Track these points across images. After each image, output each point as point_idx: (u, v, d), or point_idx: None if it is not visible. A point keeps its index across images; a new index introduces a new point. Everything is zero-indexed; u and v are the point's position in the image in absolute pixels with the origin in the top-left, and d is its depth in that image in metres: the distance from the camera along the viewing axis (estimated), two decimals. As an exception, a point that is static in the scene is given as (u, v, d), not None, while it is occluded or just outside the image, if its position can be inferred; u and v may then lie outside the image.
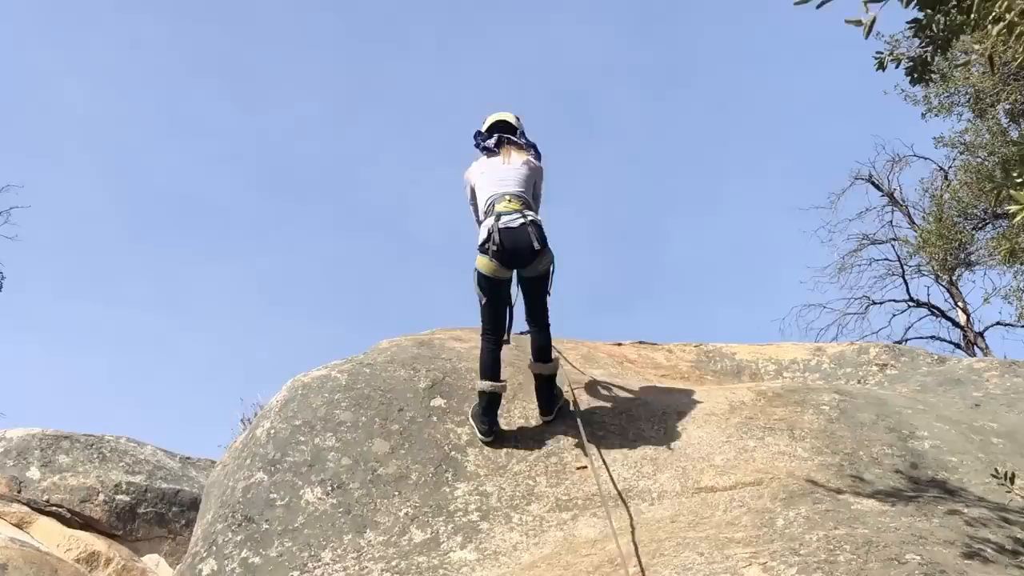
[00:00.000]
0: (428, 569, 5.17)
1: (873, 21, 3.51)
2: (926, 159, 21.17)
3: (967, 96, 16.71)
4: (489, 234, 5.28)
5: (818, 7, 3.49)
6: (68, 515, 8.50)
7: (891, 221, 21.31)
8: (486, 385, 5.53)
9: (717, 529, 4.84)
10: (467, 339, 7.05)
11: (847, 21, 3.55)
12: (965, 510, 5.12)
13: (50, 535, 8.11)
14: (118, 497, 8.73)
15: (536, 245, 5.26)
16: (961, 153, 17.67)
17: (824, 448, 5.87)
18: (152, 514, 8.82)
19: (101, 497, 8.67)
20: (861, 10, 3.51)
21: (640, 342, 9.57)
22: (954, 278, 20.44)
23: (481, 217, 5.55)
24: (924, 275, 21.07)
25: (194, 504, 8.34)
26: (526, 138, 5.89)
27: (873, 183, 21.38)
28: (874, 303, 21.22)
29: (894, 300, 21.31)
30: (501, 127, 5.87)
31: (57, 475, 8.80)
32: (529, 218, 5.34)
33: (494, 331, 5.62)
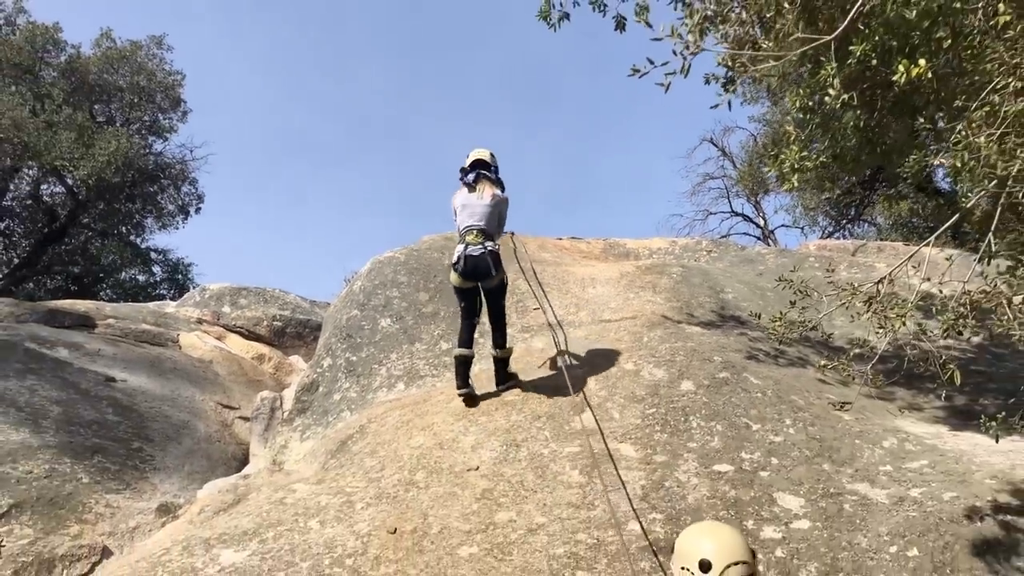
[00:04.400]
0: (451, 364, 5.32)
1: (669, 84, 3.24)
2: (744, 129, 21.32)
3: (767, 91, 16.43)
4: (458, 257, 4.44)
5: (639, 77, 3.19)
6: (247, 333, 8.56)
7: (723, 166, 21.12)
8: (457, 351, 4.53)
9: (610, 343, 4.99)
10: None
11: (656, 83, 3.23)
12: (749, 332, 5.28)
13: (236, 344, 8.19)
14: (275, 323, 8.77)
15: (493, 272, 4.42)
16: (763, 126, 17.47)
17: (672, 298, 5.97)
18: (294, 332, 8.87)
19: (265, 323, 8.71)
20: (662, 78, 3.25)
21: (572, 237, 9.49)
22: (758, 199, 20.52)
23: (456, 239, 4.64)
24: (740, 197, 21.07)
25: (318, 327, 8.42)
26: (497, 174, 4.72)
27: (713, 143, 21.13)
28: (711, 213, 21.02)
29: (723, 212, 21.23)
30: (479, 164, 4.69)
31: (239, 310, 8.83)
32: (488, 248, 4.42)
33: (469, 316, 4.63)
